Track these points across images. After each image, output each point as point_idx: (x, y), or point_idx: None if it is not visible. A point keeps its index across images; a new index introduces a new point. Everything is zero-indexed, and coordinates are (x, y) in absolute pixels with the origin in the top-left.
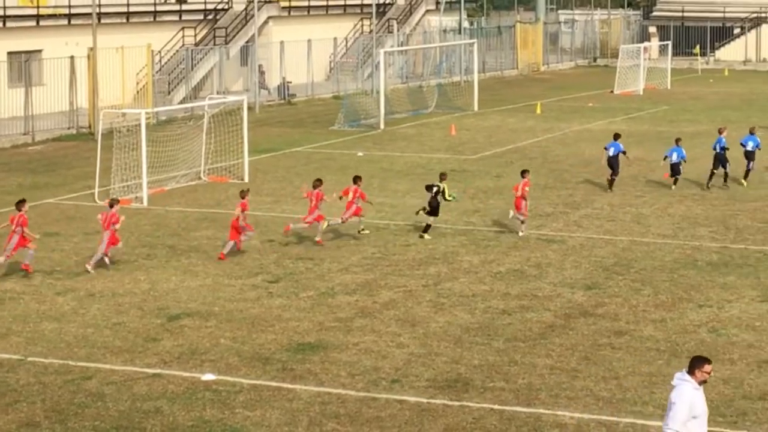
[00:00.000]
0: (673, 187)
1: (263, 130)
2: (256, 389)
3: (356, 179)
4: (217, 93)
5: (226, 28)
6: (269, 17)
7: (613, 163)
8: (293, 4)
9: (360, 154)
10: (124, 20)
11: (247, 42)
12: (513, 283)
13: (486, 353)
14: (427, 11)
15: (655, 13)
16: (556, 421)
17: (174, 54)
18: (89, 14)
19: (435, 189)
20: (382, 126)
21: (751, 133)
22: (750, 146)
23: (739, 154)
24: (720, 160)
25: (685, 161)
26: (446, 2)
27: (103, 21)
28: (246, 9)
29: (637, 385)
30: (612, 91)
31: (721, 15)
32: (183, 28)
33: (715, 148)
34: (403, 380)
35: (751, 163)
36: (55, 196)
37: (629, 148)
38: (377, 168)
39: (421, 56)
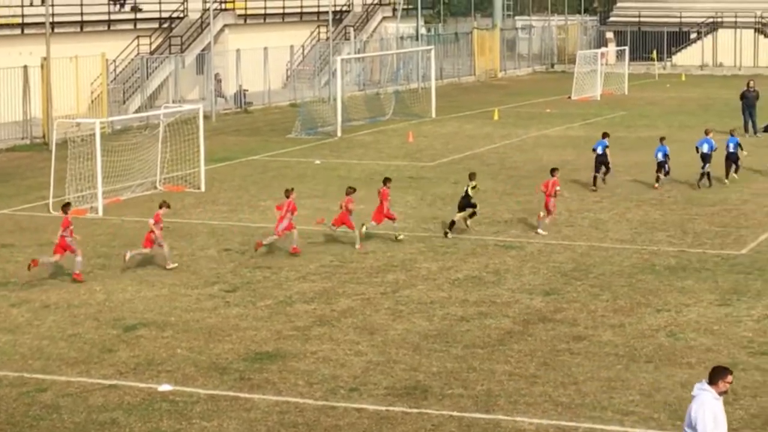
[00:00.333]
0: (656, 184)
1: (220, 138)
2: (214, 399)
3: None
4: (173, 102)
5: (182, 37)
6: (225, 25)
7: (603, 160)
8: (249, 11)
9: (317, 162)
10: (78, 29)
11: (202, 50)
12: (471, 289)
13: (444, 360)
14: (384, 18)
15: (612, 19)
16: (515, 427)
17: (129, 63)
18: (42, 23)
19: (465, 188)
20: (339, 133)
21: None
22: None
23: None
24: (704, 158)
25: (669, 158)
26: (403, 9)
27: (56, 30)
28: (201, 17)
29: (595, 390)
30: (569, 97)
31: (677, 20)
32: (138, 37)
33: (700, 148)
34: (362, 388)
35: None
36: (9, 207)
37: (586, 153)
38: (334, 176)
39: (378, 63)
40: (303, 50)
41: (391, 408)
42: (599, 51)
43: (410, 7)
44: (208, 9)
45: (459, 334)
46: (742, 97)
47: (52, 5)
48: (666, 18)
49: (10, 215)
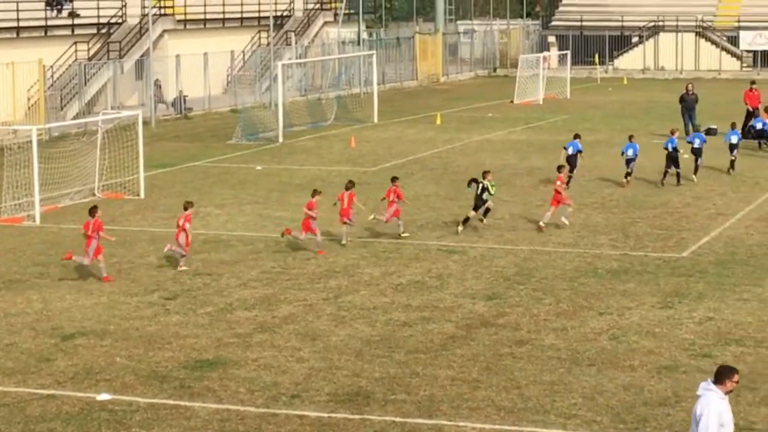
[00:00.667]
0: (625, 181)
1: (159, 144)
2: (153, 408)
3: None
4: (112, 108)
5: (120, 42)
6: (164, 30)
7: (571, 161)
8: (189, 17)
9: (258, 167)
10: (14, 35)
11: (142, 56)
12: (414, 294)
13: (387, 366)
14: (326, 23)
15: (554, 23)
16: (459, 431)
17: (66, 69)
18: None
19: (480, 186)
20: (280, 139)
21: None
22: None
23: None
24: (672, 159)
25: (637, 156)
26: (344, 14)
27: None
28: (140, 22)
29: (538, 394)
30: (512, 101)
31: (619, 24)
32: (75, 43)
33: (666, 148)
34: (303, 395)
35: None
36: None
37: (529, 157)
38: (276, 181)
39: (320, 68)
40: (244, 55)
41: (333, 414)
42: (541, 55)
43: (352, 12)
44: (147, 14)
45: (402, 340)
46: (681, 100)
47: None
48: (608, 22)
49: None
